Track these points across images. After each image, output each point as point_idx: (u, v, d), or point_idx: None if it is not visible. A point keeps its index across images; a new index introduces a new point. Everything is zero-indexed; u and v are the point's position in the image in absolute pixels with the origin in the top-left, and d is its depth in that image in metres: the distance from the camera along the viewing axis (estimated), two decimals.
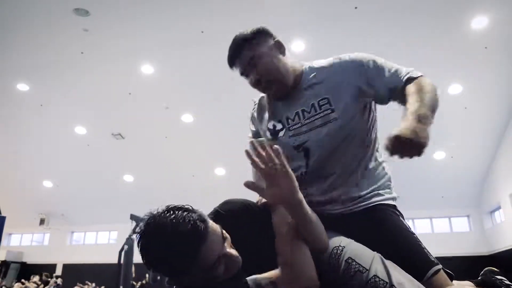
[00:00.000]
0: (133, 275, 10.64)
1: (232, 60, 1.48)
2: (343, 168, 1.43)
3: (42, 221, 15.61)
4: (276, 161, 1.08)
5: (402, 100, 1.38)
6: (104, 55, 9.29)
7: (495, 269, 1.47)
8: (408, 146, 1.10)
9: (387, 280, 1.13)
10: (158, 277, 8.75)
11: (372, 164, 1.47)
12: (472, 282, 1.44)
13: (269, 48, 1.46)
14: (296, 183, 1.12)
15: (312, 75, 1.48)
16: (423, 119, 1.17)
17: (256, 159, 1.08)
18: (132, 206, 11.57)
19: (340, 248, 1.21)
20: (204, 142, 11.68)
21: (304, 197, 1.18)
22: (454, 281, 1.31)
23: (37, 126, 11.91)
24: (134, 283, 12.03)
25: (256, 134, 1.63)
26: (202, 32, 8.41)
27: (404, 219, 1.46)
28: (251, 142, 1.10)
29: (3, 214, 7.74)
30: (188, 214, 1.01)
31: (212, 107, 10.52)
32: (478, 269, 1.71)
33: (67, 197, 14.45)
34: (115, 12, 7.88)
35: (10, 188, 14.35)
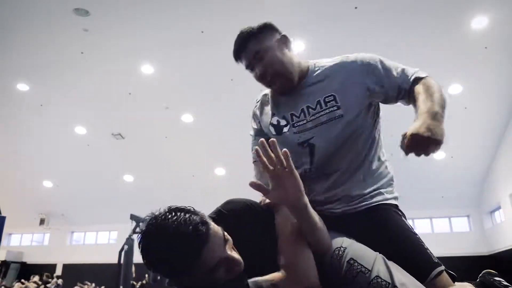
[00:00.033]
0: (133, 275, 10.64)
1: (238, 54, 1.49)
2: (348, 166, 1.42)
3: (42, 221, 15.61)
4: (285, 163, 1.07)
5: (409, 99, 1.40)
6: (104, 55, 9.29)
7: (493, 271, 1.47)
8: (425, 143, 1.13)
9: (389, 281, 1.12)
10: (158, 277, 8.75)
11: (375, 163, 1.48)
12: (471, 283, 1.44)
13: (275, 42, 1.46)
14: (302, 187, 1.11)
15: (318, 72, 1.48)
16: (437, 117, 1.21)
17: (265, 160, 1.08)
18: (132, 206, 11.58)
19: (342, 249, 1.21)
20: (204, 142, 11.68)
21: (308, 194, 1.19)
22: (455, 283, 1.31)
23: (37, 126, 11.91)
24: (134, 283, 12.03)
25: (258, 132, 1.61)
26: (202, 32, 8.41)
27: (406, 219, 1.45)
28: (261, 142, 1.09)
29: (3, 214, 7.73)
30: (190, 216, 1.00)
31: (212, 107, 10.52)
32: (478, 269, 1.71)
33: (67, 197, 14.45)
34: (115, 12, 7.88)
35: (10, 188, 14.35)
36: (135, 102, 10.60)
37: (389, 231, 1.36)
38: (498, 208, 12.09)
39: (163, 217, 1.00)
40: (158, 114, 10.91)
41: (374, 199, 1.42)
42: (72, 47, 9.06)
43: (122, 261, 8.97)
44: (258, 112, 1.60)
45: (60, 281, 13.03)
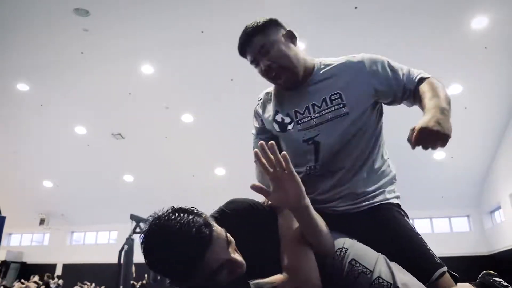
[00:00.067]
0: (134, 275, 10.65)
1: (243, 48, 1.48)
2: (352, 164, 1.42)
3: (42, 221, 15.62)
4: (284, 166, 1.07)
5: (414, 100, 1.42)
6: (104, 55, 9.29)
7: (492, 272, 1.47)
8: (434, 137, 1.14)
9: (391, 281, 1.12)
10: (158, 277, 8.76)
11: (379, 161, 1.48)
12: (471, 284, 1.44)
13: (280, 37, 1.46)
14: (303, 188, 1.11)
15: (324, 70, 1.48)
16: (445, 112, 1.22)
17: (265, 162, 1.08)
18: (132, 206, 11.60)
19: (344, 249, 1.20)
20: (204, 142, 11.68)
21: (312, 193, 1.18)
22: (457, 283, 1.31)
23: (37, 126, 11.91)
24: (134, 283, 12.03)
25: (260, 131, 1.59)
26: (202, 32, 8.41)
27: (408, 218, 1.46)
28: (261, 144, 1.08)
29: (3, 214, 7.73)
30: (194, 218, 1.00)
31: (212, 107, 10.52)
32: (478, 269, 1.71)
33: (67, 197, 14.45)
34: (115, 12, 7.88)
35: (10, 188, 14.35)
36: (135, 102, 10.60)
37: (392, 231, 1.35)
38: (498, 208, 12.09)
39: (166, 217, 1.00)
40: (158, 114, 10.91)
41: (377, 198, 1.42)
42: (72, 47, 9.06)
43: (122, 261, 8.97)
44: (260, 110, 1.59)
45: (60, 282, 13.04)
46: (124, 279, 8.99)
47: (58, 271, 15.95)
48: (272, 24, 1.47)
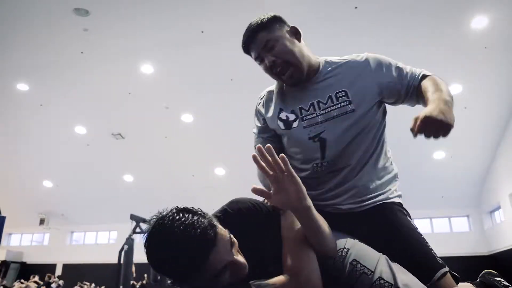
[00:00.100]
0: (134, 274, 10.65)
1: (247, 45, 1.48)
2: (357, 161, 1.43)
3: (42, 221, 15.61)
4: (283, 168, 1.07)
5: (417, 97, 1.44)
6: (104, 55, 9.29)
7: (493, 271, 1.47)
8: (437, 126, 1.15)
9: (392, 282, 1.12)
10: (159, 277, 8.76)
11: (382, 159, 1.49)
12: (471, 283, 1.44)
13: (284, 33, 1.47)
14: (304, 190, 1.11)
15: (329, 69, 1.49)
16: (448, 104, 1.25)
17: (264, 165, 1.08)
18: (132, 206, 11.61)
19: (345, 250, 1.21)
20: (204, 142, 11.68)
21: (318, 189, 1.18)
22: (458, 283, 1.31)
23: (37, 126, 11.91)
24: (134, 283, 12.04)
25: (262, 129, 1.58)
26: (202, 32, 8.41)
27: (411, 218, 1.46)
28: (258, 148, 1.08)
29: (3, 214, 7.73)
30: (198, 219, 0.99)
31: (212, 107, 10.52)
32: (478, 269, 1.71)
33: (67, 197, 14.45)
34: (115, 12, 7.88)
35: (10, 188, 14.35)
36: (135, 102, 10.61)
37: (394, 231, 1.36)
38: (498, 208, 12.10)
39: (170, 217, 0.99)
40: (158, 114, 10.91)
41: (380, 197, 1.43)
42: (72, 47, 9.06)
43: (122, 261, 8.98)
44: (262, 109, 1.58)
45: (61, 282, 13.04)
46: (124, 279, 8.99)
47: (58, 271, 15.95)
48: (276, 21, 1.48)
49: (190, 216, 0.99)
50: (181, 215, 0.99)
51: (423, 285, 1.18)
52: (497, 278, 1.39)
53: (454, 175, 11.60)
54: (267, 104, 1.57)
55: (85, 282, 13.48)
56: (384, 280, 1.13)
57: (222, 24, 7.93)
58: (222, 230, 1.02)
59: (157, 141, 11.84)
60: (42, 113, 11.39)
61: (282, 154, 1.09)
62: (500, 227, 11.95)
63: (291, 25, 1.51)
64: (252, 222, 1.18)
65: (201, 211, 1.05)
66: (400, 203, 1.48)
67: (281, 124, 1.49)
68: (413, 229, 1.39)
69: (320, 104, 1.44)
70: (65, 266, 16.19)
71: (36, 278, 12.73)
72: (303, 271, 1.09)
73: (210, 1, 7.63)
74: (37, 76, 10.24)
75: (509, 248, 11.15)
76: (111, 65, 9.57)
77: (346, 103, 1.41)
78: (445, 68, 8.54)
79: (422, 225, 13.15)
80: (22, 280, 12.23)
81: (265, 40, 1.43)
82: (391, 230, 1.36)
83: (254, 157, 1.08)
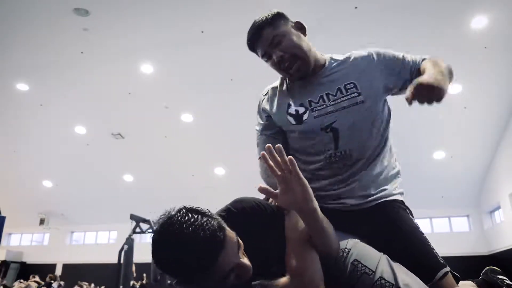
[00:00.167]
0: (134, 274, 10.65)
1: (253, 43, 1.48)
2: (370, 154, 1.44)
3: (42, 221, 15.61)
4: (291, 169, 1.07)
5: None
6: (104, 55, 9.29)
7: (497, 268, 1.46)
8: (429, 91, 1.17)
9: (393, 282, 1.13)
10: (159, 277, 8.75)
11: (389, 153, 1.50)
12: (473, 281, 1.43)
13: (290, 28, 1.48)
14: (311, 191, 1.12)
15: (335, 64, 1.51)
16: (443, 74, 1.28)
17: (272, 164, 1.08)
18: (132, 206, 11.61)
19: (346, 250, 1.21)
20: (204, 142, 11.68)
21: (330, 179, 1.20)
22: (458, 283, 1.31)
23: (37, 126, 11.91)
24: (134, 283, 12.03)
25: (266, 127, 1.56)
26: (202, 32, 8.40)
27: (413, 216, 1.46)
28: (268, 147, 1.08)
29: (3, 214, 7.72)
30: (207, 220, 0.98)
31: (212, 107, 10.52)
32: (478, 269, 1.71)
33: (67, 197, 14.45)
34: (115, 12, 7.88)
35: (10, 188, 14.35)
36: (135, 102, 10.60)
37: (396, 230, 1.36)
38: (498, 208, 12.10)
39: (179, 218, 0.98)
40: (158, 114, 10.91)
41: (385, 192, 1.43)
42: (72, 47, 9.05)
43: (122, 261, 8.98)
44: (267, 105, 1.56)
45: (62, 283, 13.03)
46: (124, 279, 8.99)
47: (58, 271, 15.94)
48: (280, 17, 1.49)
49: (199, 217, 0.98)
50: (190, 215, 0.98)
51: (424, 285, 1.18)
52: (500, 276, 1.39)
53: (454, 175, 11.60)
54: (272, 100, 1.56)
55: (84, 282, 13.47)
56: (385, 280, 1.13)
57: (222, 24, 7.92)
58: (230, 233, 1.02)
59: (157, 141, 11.84)
60: (42, 113, 11.39)
61: (290, 156, 1.09)
62: (500, 227, 11.95)
63: (295, 21, 1.53)
64: (256, 221, 1.18)
65: (209, 212, 1.05)
66: (402, 200, 1.48)
67: (291, 119, 1.47)
68: (415, 228, 1.39)
69: (330, 96, 1.44)
70: (65, 266, 16.19)
71: (37, 278, 12.73)
72: (306, 271, 1.09)
73: (210, 1, 7.63)
74: (37, 76, 10.24)
75: (509, 248, 11.15)
76: (111, 65, 9.57)
77: (356, 94, 1.42)
78: None
79: (422, 225, 12.83)
80: (21, 280, 12.22)
81: (271, 36, 1.43)
82: (393, 229, 1.36)
83: (264, 156, 1.08)
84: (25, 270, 16.14)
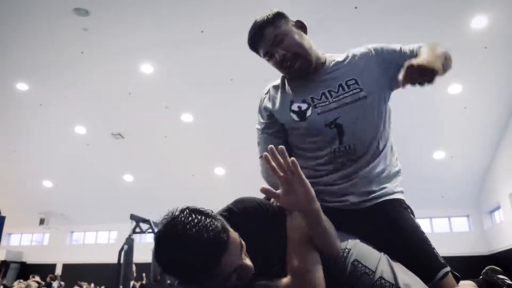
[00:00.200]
0: (134, 274, 10.64)
1: (254, 42, 1.49)
2: (374, 150, 1.44)
3: (41, 221, 15.61)
4: (293, 170, 1.07)
5: None
6: (104, 55, 9.29)
7: (497, 268, 1.46)
8: (420, 72, 1.16)
9: (393, 282, 1.13)
10: (159, 277, 8.75)
11: (390, 152, 1.50)
12: (473, 281, 1.43)
13: (291, 26, 1.50)
14: (313, 192, 1.11)
15: (335, 61, 1.52)
16: (437, 56, 1.27)
17: (274, 165, 1.08)
18: (132, 206, 11.60)
19: (346, 250, 1.21)
20: (204, 142, 11.68)
21: (334, 174, 1.21)
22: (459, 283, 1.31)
23: (36, 126, 11.91)
24: (135, 283, 12.03)
25: (267, 125, 1.56)
26: (202, 32, 8.40)
27: (414, 215, 1.46)
28: (270, 148, 1.08)
29: (3, 214, 7.73)
30: (211, 222, 0.98)
31: (211, 107, 10.52)
32: (478, 269, 1.71)
33: (67, 197, 14.45)
34: (115, 12, 7.88)
35: (10, 188, 14.34)
36: (135, 102, 10.60)
37: (397, 229, 1.36)
38: (498, 208, 12.10)
39: (183, 218, 0.98)
40: (157, 114, 10.91)
41: (386, 190, 1.43)
42: (72, 47, 9.05)
43: (122, 261, 8.97)
44: (269, 104, 1.56)
45: (62, 283, 13.03)
46: (124, 279, 8.98)
47: (58, 271, 15.93)
48: (281, 16, 1.50)
49: (203, 218, 0.98)
50: (193, 216, 0.98)
51: (424, 285, 1.18)
52: (501, 276, 1.39)
53: (454, 175, 11.60)
54: (273, 98, 1.56)
55: (84, 282, 13.47)
56: (385, 280, 1.13)
57: (222, 24, 7.92)
58: (233, 234, 1.02)
59: (157, 141, 11.84)
60: (42, 113, 11.39)
61: (292, 158, 1.09)
62: (500, 227, 11.95)
63: (296, 20, 1.54)
64: (258, 221, 1.18)
65: (213, 212, 1.05)
66: (403, 199, 1.48)
67: (294, 116, 1.47)
68: (416, 227, 1.39)
69: (332, 92, 1.45)
70: (65, 266, 16.19)
71: (37, 278, 12.72)
72: (307, 272, 1.09)
73: (210, 1, 7.63)
74: (37, 76, 10.23)
75: (509, 248, 11.15)
76: (111, 65, 9.57)
77: (358, 90, 1.43)
78: None
79: (422, 225, 13.06)
80: (21, 280, 12.22)
81: (273, 36, 1.44)
82: (394, 228, 1.36)
83: (266, 157, 1.07)
84: (25, 270, 16.14)
